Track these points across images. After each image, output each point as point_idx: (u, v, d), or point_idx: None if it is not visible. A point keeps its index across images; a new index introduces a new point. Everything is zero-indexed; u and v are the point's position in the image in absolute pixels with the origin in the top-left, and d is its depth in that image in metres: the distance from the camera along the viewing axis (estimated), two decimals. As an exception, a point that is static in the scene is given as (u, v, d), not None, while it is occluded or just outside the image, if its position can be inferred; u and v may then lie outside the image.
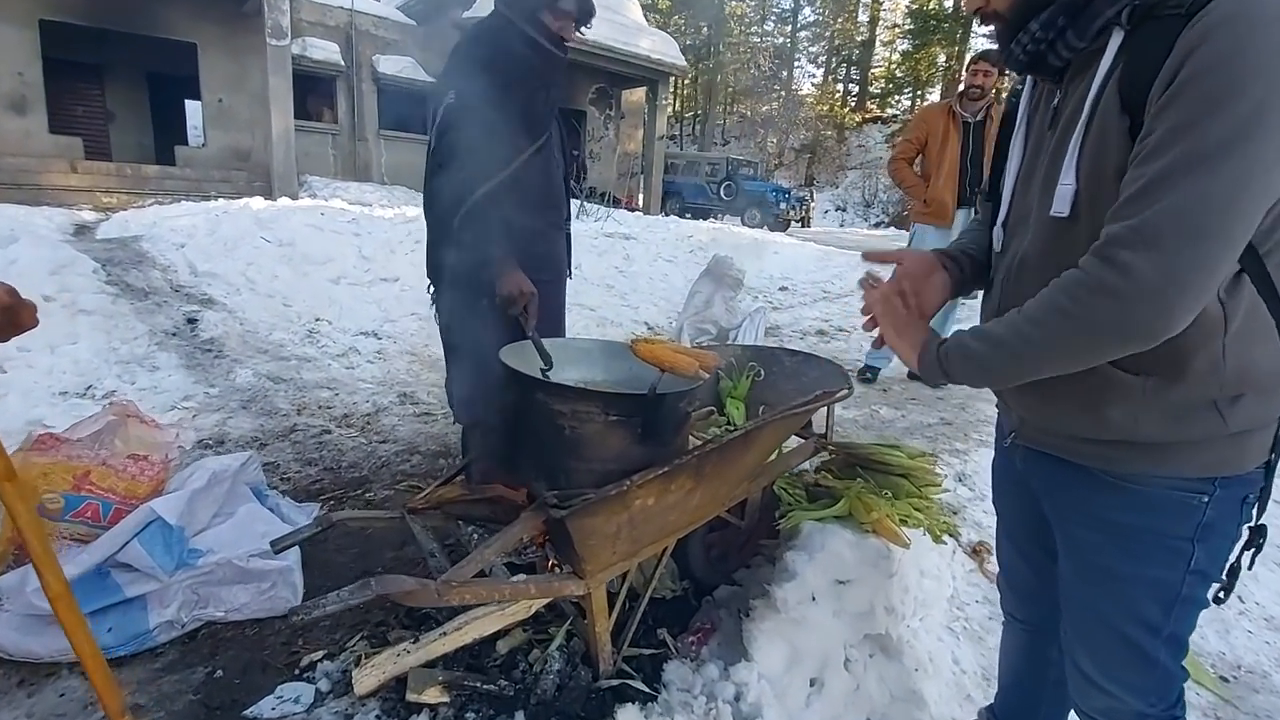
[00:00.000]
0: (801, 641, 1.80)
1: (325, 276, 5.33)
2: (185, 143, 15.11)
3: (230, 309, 4.65)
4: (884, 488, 2.03)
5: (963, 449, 3.27)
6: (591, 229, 7.94)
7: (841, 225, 31.79)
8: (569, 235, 2.51)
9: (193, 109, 15.23)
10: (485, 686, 1.69)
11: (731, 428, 2.19)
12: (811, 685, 1.83)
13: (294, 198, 9.74)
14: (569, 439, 1.64)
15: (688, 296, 3.50)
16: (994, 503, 1.68)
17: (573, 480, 1.67)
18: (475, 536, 1.81)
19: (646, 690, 1.80)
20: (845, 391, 1.97)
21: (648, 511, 1.70)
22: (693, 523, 1.88)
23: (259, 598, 2.06)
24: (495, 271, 1.96)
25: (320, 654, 1.94)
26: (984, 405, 4.00)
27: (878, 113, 37.59)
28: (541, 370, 1.89)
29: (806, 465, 2.30)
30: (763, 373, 2.26)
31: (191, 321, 4.45)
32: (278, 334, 4.56)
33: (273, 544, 1.77)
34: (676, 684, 1.84)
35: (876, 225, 31.56)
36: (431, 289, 2.33)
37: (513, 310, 1.93)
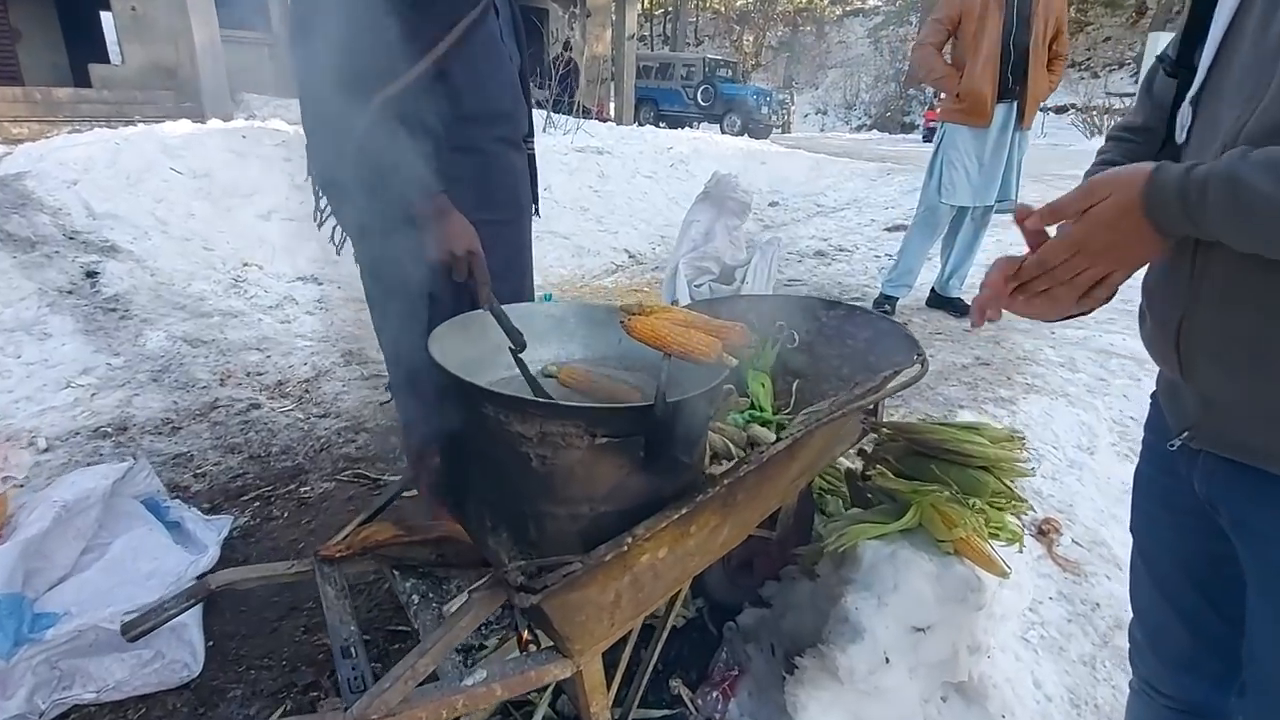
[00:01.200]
0: (867, 712, 1.34)
1: (252, 212, 4.58)
2: (105, 60, 13.52)
3: (138, 257, 3.94)
4: (961, 486, 1.53)
5: (1007, 396, 2.80)
6: (560, 144, 7.11)
7: (822, 130, 30.47)
8: (532, 156, 1.86)
9: (109, 21, 13.54)
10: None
11: (757, 411, 1.66)
12: (878, 758, 1.39)
13: (227, 119, 8.68)
14: (539, 475, 1.09)
15: (682, 227, 2.89)
16: (1134, 529, 1.22)
17: (546, 533, 1.14)
18: (415, 599, 1.30)
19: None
20: (919, 368, 1.43)
21: (658, 565, 1.19)
22: (717, 557, 1.38)
23: (141, 670, 1.55)
24: (421, 219, 1.35)
25: (225, 748, 1.46)
26: (1024, 339, 3.51)
27: (859, 4, 35.33)
28: (511, 352, 1.33)
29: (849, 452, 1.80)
30: (795, 336, 1.71)
31: (91, 275, 3.75)
32: (197, 285, 3.88)
33: (123, 629, 1.24)
34: (701, 764, 1.39)
35: (859, 128, 30.29)
36: (335, 231, 1.68)
37: (456, 276, 1.35)
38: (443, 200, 1.39)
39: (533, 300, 1.92)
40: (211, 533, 2.00)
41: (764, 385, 1.70)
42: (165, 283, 3.85)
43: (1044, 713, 1.70)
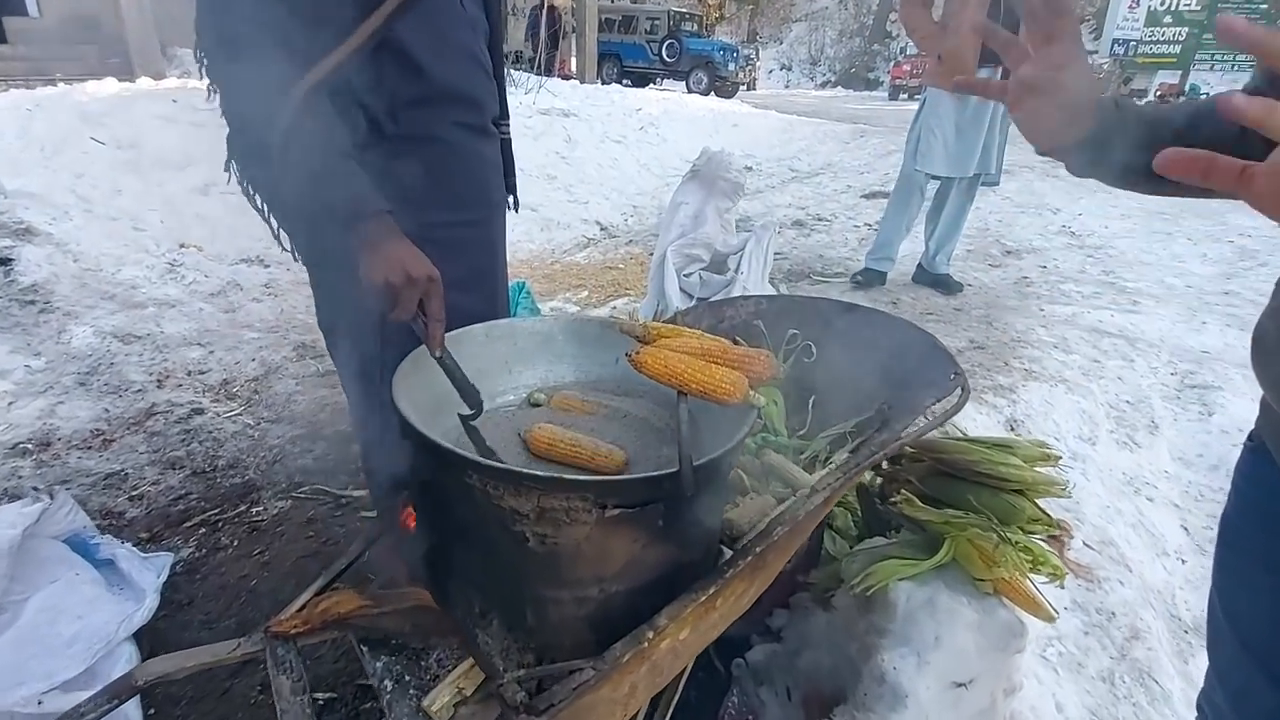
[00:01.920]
0: (906, 778, 1.21)
1: (188, 185, 4.16)
2: (22, 13, 12.30)
3: (58, 241, 3.53)
4: (993, 512, 1.38)
5: (1007, 384, 2.68)
6: (523, 104, 6.70)
7: (787, 86, 30.01)
8: (506, 143, 1.59)
9: (18, -35, 12.25)
10: None
11: (771, 435, 1.48)
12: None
13: (159, 77, 8.00)
14: (538, 556, 0.90)
15: (668, 210, 2.65)
16: (1219, 587, 1.06)
17: (548, 620, 0.96)
18: (389, 685, 1.10)
19: None
20: (960, 392, 1.26)
21: (679, 646, 1.02)
22: (738, 616, 1.22)
23: (66, 758, 1.33)
24: (355, 237, 1.09)
25: (171, 845, 1.26)
26: (1015, 318, 3.40)
27: (826, -47, 34.48)
28: (462, 419, 1.11)
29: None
30: (813, 349, 1.52)
31: (4, 263, 3.35)
32: (128, 271, 3.51)
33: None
34: (720, 837, 1.25)
35: (824, 85, 29.91)
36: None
37: (399, 314, 1.07)
38: (381, 227, 1.09)
39: (507, 304, 1.69)
40: (149, 573, 1.76)
41: (776, 403, 1.52)
42: (91, 269, 3.47)
43: (1069, 739, 1.61)
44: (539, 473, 0.83)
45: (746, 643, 1.63)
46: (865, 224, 5.21)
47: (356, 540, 1.22)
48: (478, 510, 0.91)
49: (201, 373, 2.92)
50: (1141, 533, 2.22)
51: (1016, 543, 1.30)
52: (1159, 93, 25.76)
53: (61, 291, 3.27)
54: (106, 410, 2.61)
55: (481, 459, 0.84)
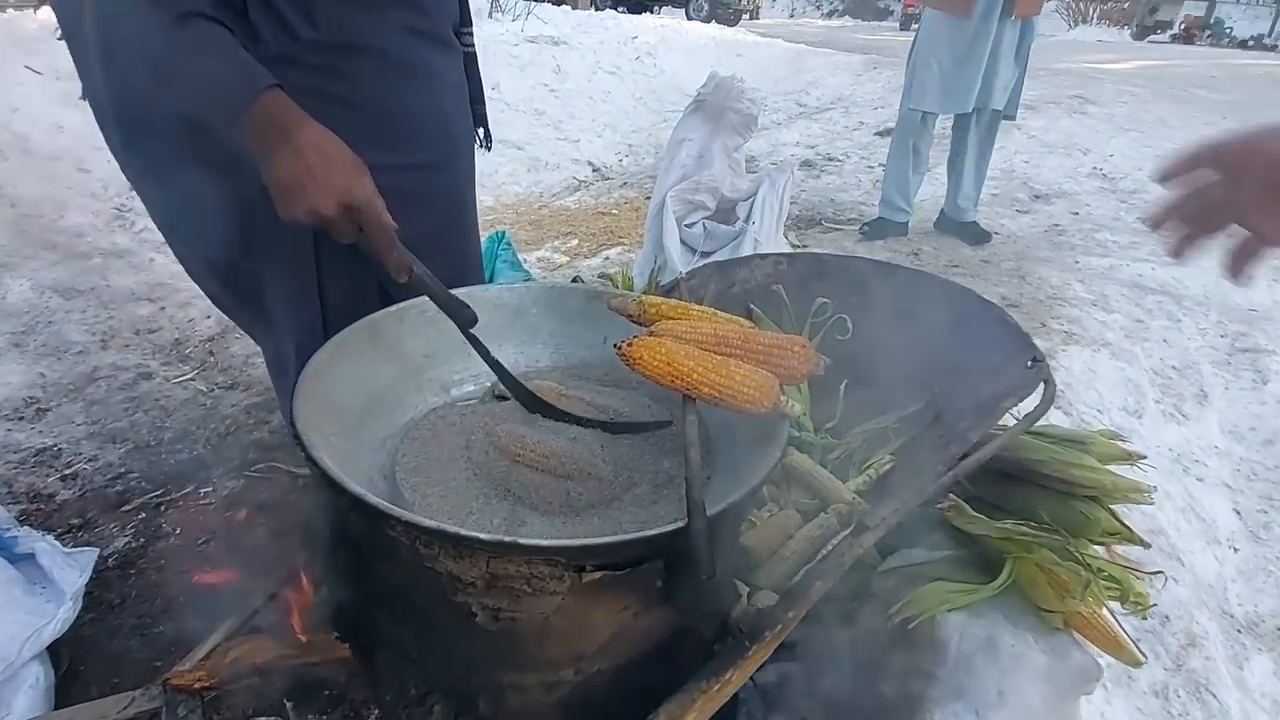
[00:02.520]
0: None
1: (140, 120, 3.77)
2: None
3: (-8, 182, 3.19)
4: (1061, 523, 1.14)
5: (1046, 349, 2.40)
6: (509, 32, 6.17)
7: (792, 15, 28.62)
8: (471, 57, 1.27)
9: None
10: None
11: (795, 431, 1.22)
12: None
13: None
14: (491, 636, 0.65)
15: (669, 147, 2.30)
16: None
17: (507, 708, 0.72)
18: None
19: None
20: (1044, 387, 1.00)
21: (682, 731, 0.78)
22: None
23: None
24: (248, 132, 0.80)
25: None
26: (1049, 272, 3.10)
27: None
28: (465, 332, 0.92)
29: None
30: (849, 325, 1.24)
31: (-70, 206, 3.02)
32: (72, 218, 3.18)
33: None
34: None
35: (831, 14, 28.54)
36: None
37: (339, 237, 0.82)
38: (281, 107, 0.80)
39: (479, 267, 1.39)
40: (72, 571, 1.52)
41: (800, 389, 1.25)
42: (30, 215, 3.14)
43: (1120, 762, 1.42)
44: (481, 535, 0.57)
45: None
46: (879, 164, 4.83)
47: (271, 576, 0.97)
48: (406, 573, 0.65)
49: (151, 331, 2.64)
50: (1191, 518, 2.00)
51: (1099, 569, 1.06)
52: (1182, 25, 24.57)
53: (-4, 240, 2.95)
54: (43, 375, 2.34)
55: (399, 512, 0.57)
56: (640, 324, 0.93)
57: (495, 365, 0.94)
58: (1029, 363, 1.04)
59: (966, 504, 1.21)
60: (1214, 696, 1.56)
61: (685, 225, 2.20)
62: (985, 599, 1.09)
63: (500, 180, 4.33)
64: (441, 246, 1.15)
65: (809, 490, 1.10)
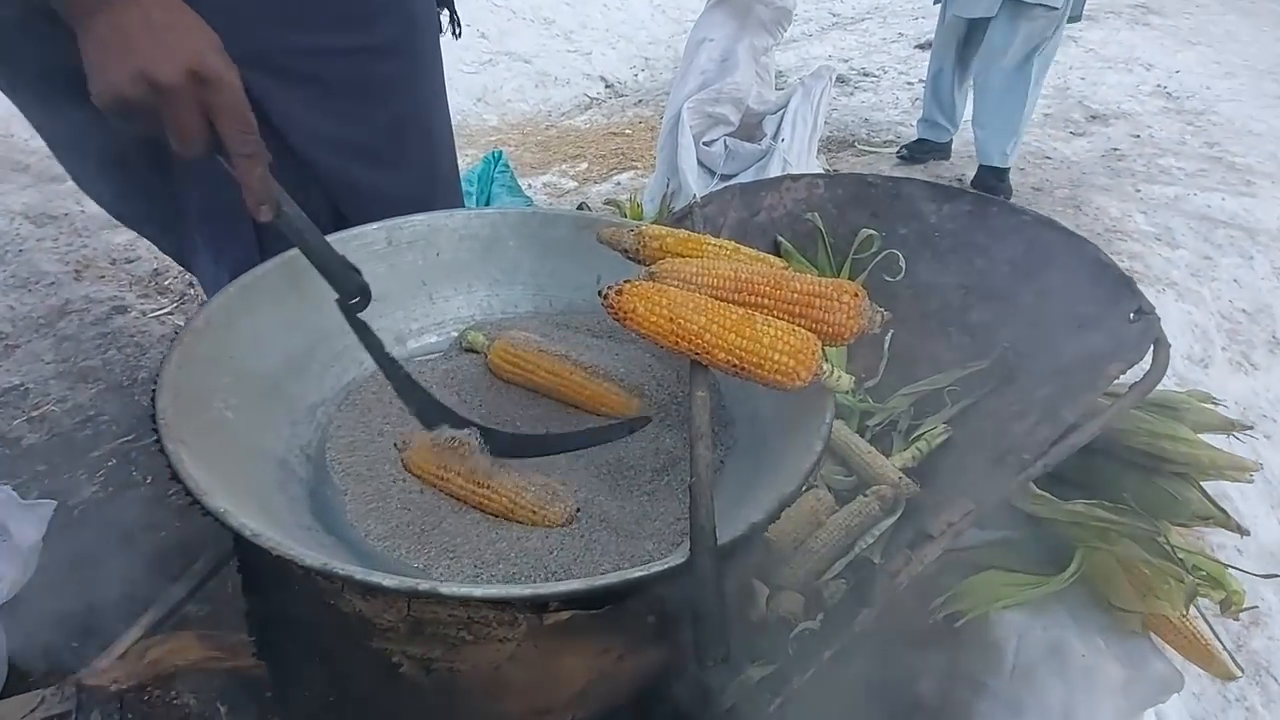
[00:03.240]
0: None
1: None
2: None
3: (-44, 95, 2.96)
4: (1143, 503, 0.95)
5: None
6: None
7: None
8: None
9: None
10: None
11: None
12: None
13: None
14: (423, 691, 0.48)
15: (687, 50, 1.99)
16: None
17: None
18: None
19: None
20: (1154, 348, 0.79)
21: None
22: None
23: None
24: (78, 23, 0.57)
25: None
26: (1108, 201, 2.79)
27: None
28: (342, 307, 0.68)
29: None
30: (901, 263, 1.02)
31: (-109, 122, 2.81)
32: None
33: None
34: None
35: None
36: None
37: (179, 150, 0.59)
38: None
39: (456, 185, 1.17)
40: (29, 526, 1.40)
41: (838, 355, 1.04)
42: (1, 135, 2.92)
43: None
44: (385, 581, 0.39)
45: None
46: (920, 80, 4.42)
47: (203, 557, 0.82)
48: (311, 608, 0.48)
49: (128, 261, 2.46)
50: (1259, 481, 1.80)
51: (1193, 566, 0.87)
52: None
53: (-38, 161, 2.75)
54: (12, 308, 2.18)
55: (273, 544, 0.39)
56: (639, 262, 0.72)
57: (386, 362, 0.69)
58: (1131, 315, 0.83)
59: (1031, 482, 1.03)
60: (1275, 680, 1.41)
61: (703, 143, 1.93)
62: (1049, 594, 0.92)
63: (505, 97, 4.00)
64: (396, 157, 0.93)
65: (844, 465, 0.92)
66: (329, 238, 0.77)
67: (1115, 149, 3.42)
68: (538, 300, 0.91)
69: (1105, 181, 2.98)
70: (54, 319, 2.17)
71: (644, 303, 0.57)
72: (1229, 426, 1.03)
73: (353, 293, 0.68)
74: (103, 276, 2.38)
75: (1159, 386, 0.89)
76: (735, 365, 0.57)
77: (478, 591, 0.40)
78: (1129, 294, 0.85)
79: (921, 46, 5.11)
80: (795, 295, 0.63)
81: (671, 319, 0.57)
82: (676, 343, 0.58)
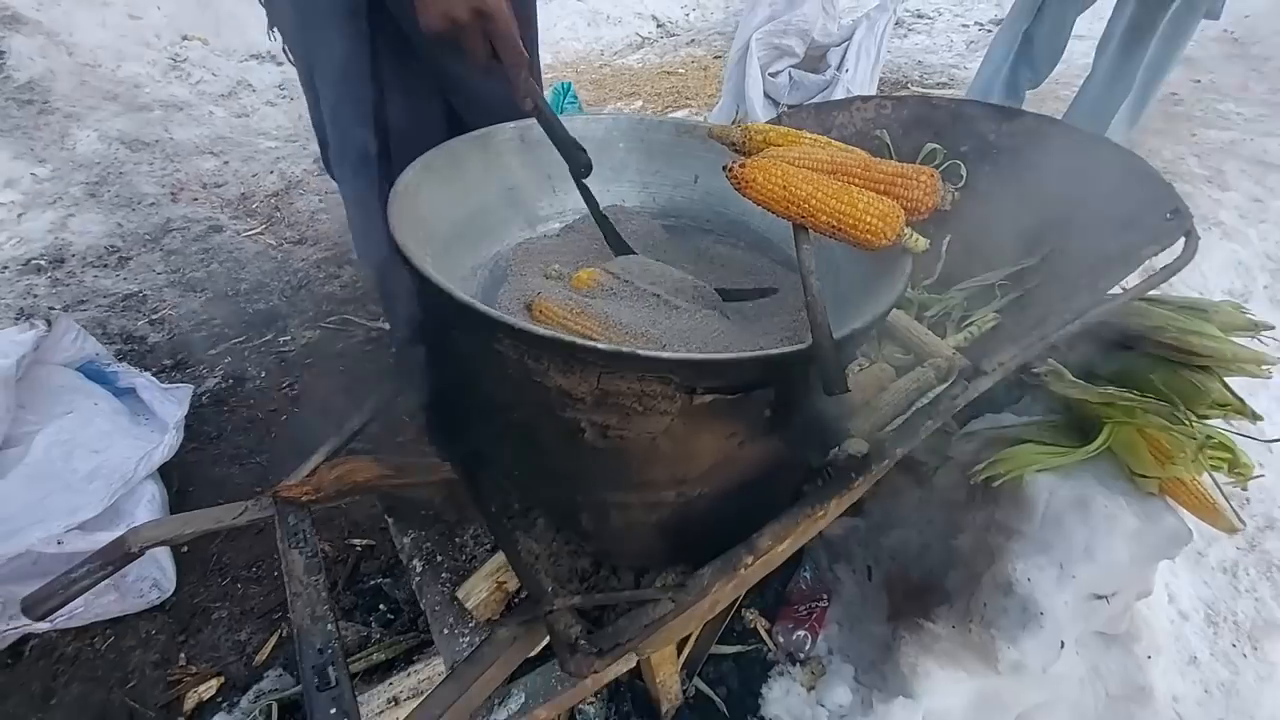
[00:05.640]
0: (1015, 693, 1.04)
1: (186, -36, 3.61)
2: None
3: (48, 30, 3.13)
4: (1170, 392, 1.08)
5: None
6: None
7: None
8: None
9: None
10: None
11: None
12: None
13: None
14: (598, 454, 0.65)
15: (753, -16, 2.07)
16: None
17: (609, 525, 0.73)
18: (418, 567, 0.93)
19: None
20: (1185, 240, 0.91)
21: (773, 559, 0.80)
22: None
23: (100, 596, 1.27)
24: None
25: (214, 685, 1.21)
26: (1160, 144, 2.80)
27: None
28: (576, 179, 0.91)
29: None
30: (963, 172, 1.14)
31: (-5, 52, 3.00)
32: (129, 67, 3.13)
33: (24, 607, 0.89)
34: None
35: None
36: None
37: (471, 60, 0.83)
38: None
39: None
40: (171, 405, 1.62)
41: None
42: (89, 64, 3.10)
43: (1177, 633, 1.43)
44: (600, 345, 0.55)
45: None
46: (975, 23, 4.36)
47: (369, 400, 1.00)
48: (514, 390, 0.65)
49: (218, 185, 2.65)
50: (1287, 407, 1.89)
51: (1209, 437, 1.00)
52: None
53: (60, 90, 2.94)
54: (120, 225, 2.40)
55: (513, 321, 0.55)
56: (744, 154, 0.86)
57: (602, 220, 0.92)
58: (1168, 214, 0.94)
59: (1067, 370, 1.16)
60: (1285, 578, 1.54)
61: (769, 75, 2.01)
62: (1078, 462, 1.06)
63: (559, 35, 4.05)
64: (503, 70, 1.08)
65: (903, 346, 1.06)
66: (479, 132, 0.93)
67: (1174, 93, 3.37)
68: (643, 196, 1.05)
69: (1160, 125, 2.98)
70: (158, 235, 2.37)
71: (762, 174, 0.71)
72: (1253, 327, 1.14)
73: (583, 165, 0.89)
74: (196, 199, 2.58)
75: (1193, 293, 1.01)
76: (834, 226, 0.71)
77: (665, 354, 0.56)
78: (1168, 197, 0.96)
79: (977, -13, 4.98)
80: (881, 175, 0.76)
81: (784, 187, 0.71)
82: (787, 208, 0.72)
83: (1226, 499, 1.02)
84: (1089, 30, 2.60)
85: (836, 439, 0.70)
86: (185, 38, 3.33)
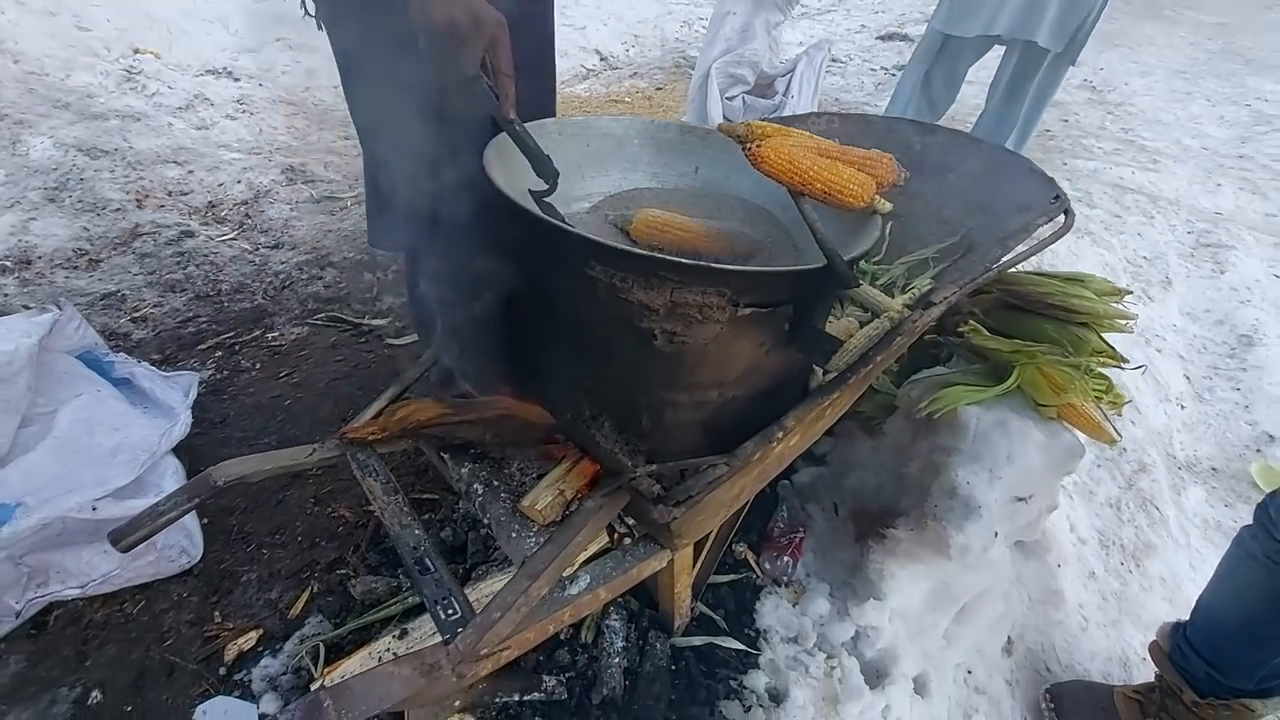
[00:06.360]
0: (960, 582, 1.29)
1: (131, -21, 3.61)
2: None
3: (-11, 35, 3.07)
4: (1061, 343, 1.38)
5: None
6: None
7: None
8: None
9: None
10: (525, 697, 1.13)
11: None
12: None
13: None
14: (664, 356, 0.85)
15: (713, 21, 2.35)
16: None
17: (663, 423, 0.93)
18: (479, 489, 1.08)
19: (740, 647, 1.30)
20: (1065, 216, 1.20)
21: (786, 452, 1.01)
22: (820, 435, 1.22)
23: (131, 561, 1.33)
24: None
25: (253, 637, 1.30)
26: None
27: None
28: (537, 195, 1.02)
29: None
30: (906, 172, 1.42)
31: (-72, 57, 2.92)
32: (79, 77, 3.10)
33: (112, 539, 0.99)
34: (778, 630, 1.34)
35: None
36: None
37: (461, 67, 0.93)
38: None
39: (554, 108, 1.52)
40: (175, 391, 1.69)
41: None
42: (36, 73, 3.06)
43: (1079, 555, 1.74)
44: (683, 260, 0.75)
45: (790, 467, 1.68)
46: (882, 67, 4.90)
47: (427, 351, 1.15)
48: (598, 307, 0.84)
49: (184, 193, 2.68)
50: (1149, 380, 2.30)
51: (1090, 369, 1.31)
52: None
53: (7, 97, 2.89)
54: (86, 229, 2.40)
55: (617, 244, 0.75)
56: (747, 143, 1.09)
57: (549, 210, 1.02)
58: (1052, 199, 1.24)
59: (982, 329, 1.45)
60: (1156, 509, 1.90)
61: (726, 98, 2.31)
62: (996, 396, 1.35)
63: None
64: (536, 70, 1.28)
65: (861, 306, 1.31)
66: (528, 124, 1.12)
67: (1048, 130, 3.95)
68: (653, 183, 1.26)
69: (1039, 156, 3.49)
70: (128, 239, 2.39)
71: (773, 152, 0.94)
72: (1117, 292, 1.47)
73: (549, 178, 1.02)
74: (162, 206, 2.60)
75: (1072, 270, 1.31)
76: (826, 192, 0.95)
77: (735, 267, 0.76)
78: (1051, 187, 1.27)
79: (883, 38, 5.58)
80: (855, 157, 1.01)
81: (790, 161, 0.94)
82: (791, 178, 0.95)
83: (1105, 417, 1.32)
84: (977, 77, 3.08)
85: (834, 347, 0.92)
86: (137, 50, 3.33)
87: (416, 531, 0.97)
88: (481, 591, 1.13)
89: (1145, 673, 1.57)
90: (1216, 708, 1.24)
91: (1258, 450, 2.23)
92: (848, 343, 1.20)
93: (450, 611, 0.83)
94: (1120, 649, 1.61)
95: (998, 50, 2.81)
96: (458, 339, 1.16)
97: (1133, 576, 1.77)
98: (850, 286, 0.79)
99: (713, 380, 0.89)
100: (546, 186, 1.04)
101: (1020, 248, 1.15)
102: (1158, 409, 2.27)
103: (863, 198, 0.94)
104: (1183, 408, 2.33)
